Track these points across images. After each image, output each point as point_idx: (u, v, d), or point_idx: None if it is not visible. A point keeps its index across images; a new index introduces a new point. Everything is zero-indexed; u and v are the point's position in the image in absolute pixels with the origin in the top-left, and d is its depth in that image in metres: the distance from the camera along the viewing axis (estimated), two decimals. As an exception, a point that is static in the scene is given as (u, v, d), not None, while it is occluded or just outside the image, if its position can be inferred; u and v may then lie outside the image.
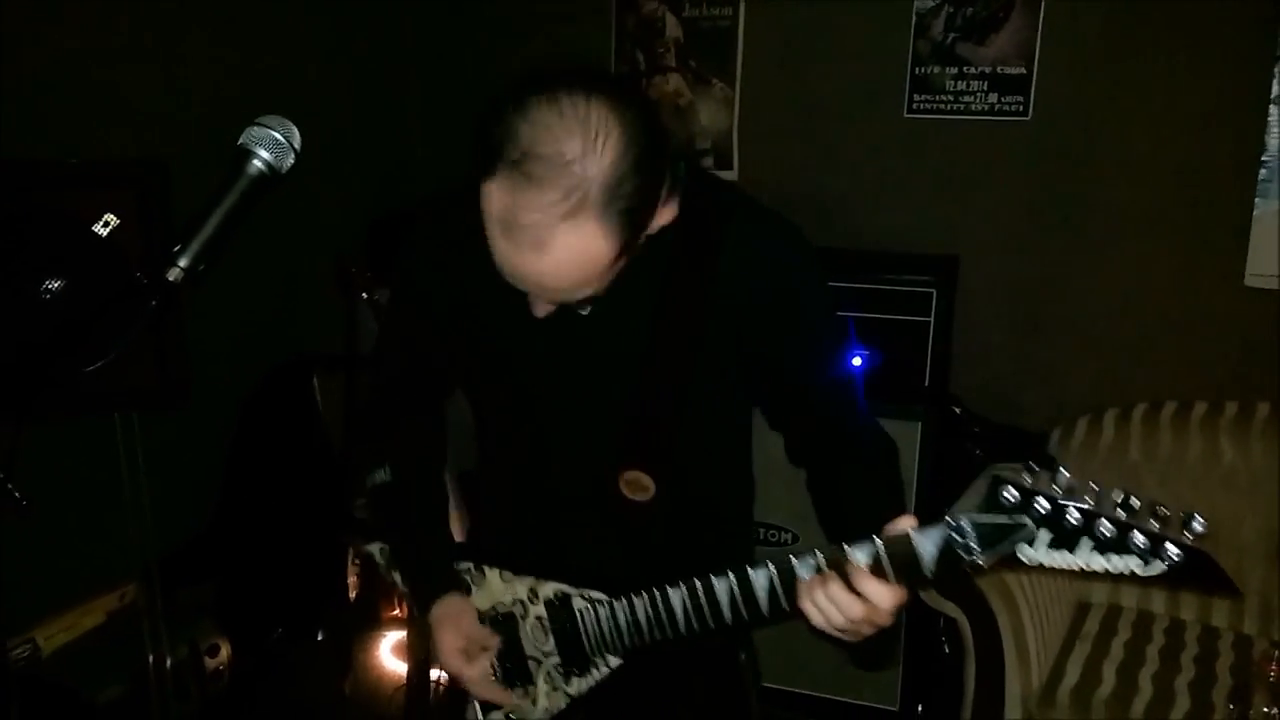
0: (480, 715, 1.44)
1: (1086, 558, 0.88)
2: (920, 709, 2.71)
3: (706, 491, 1.33)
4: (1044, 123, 2.89)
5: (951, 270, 2.84)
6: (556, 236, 1.01)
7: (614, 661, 1.29)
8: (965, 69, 2.94)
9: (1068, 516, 0.88)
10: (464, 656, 1.37)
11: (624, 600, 1.24)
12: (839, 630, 1.08)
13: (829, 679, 2.77)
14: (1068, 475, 0.90)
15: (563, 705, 1.35)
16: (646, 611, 1.22)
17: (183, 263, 1.08)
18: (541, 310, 1.15)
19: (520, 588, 1.36)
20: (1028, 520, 0.90)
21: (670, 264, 1.20)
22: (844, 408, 1.31)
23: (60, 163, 2.08)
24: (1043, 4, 2.83)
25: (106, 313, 1.11)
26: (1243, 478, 2.50)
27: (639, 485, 1.24)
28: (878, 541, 1.02)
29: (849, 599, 1.04)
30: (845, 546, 1.04)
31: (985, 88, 2.92)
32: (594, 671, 1.31)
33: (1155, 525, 0.87)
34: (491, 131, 1.02)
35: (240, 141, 1.12)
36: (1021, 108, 2.90)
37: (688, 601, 1.17)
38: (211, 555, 2.91)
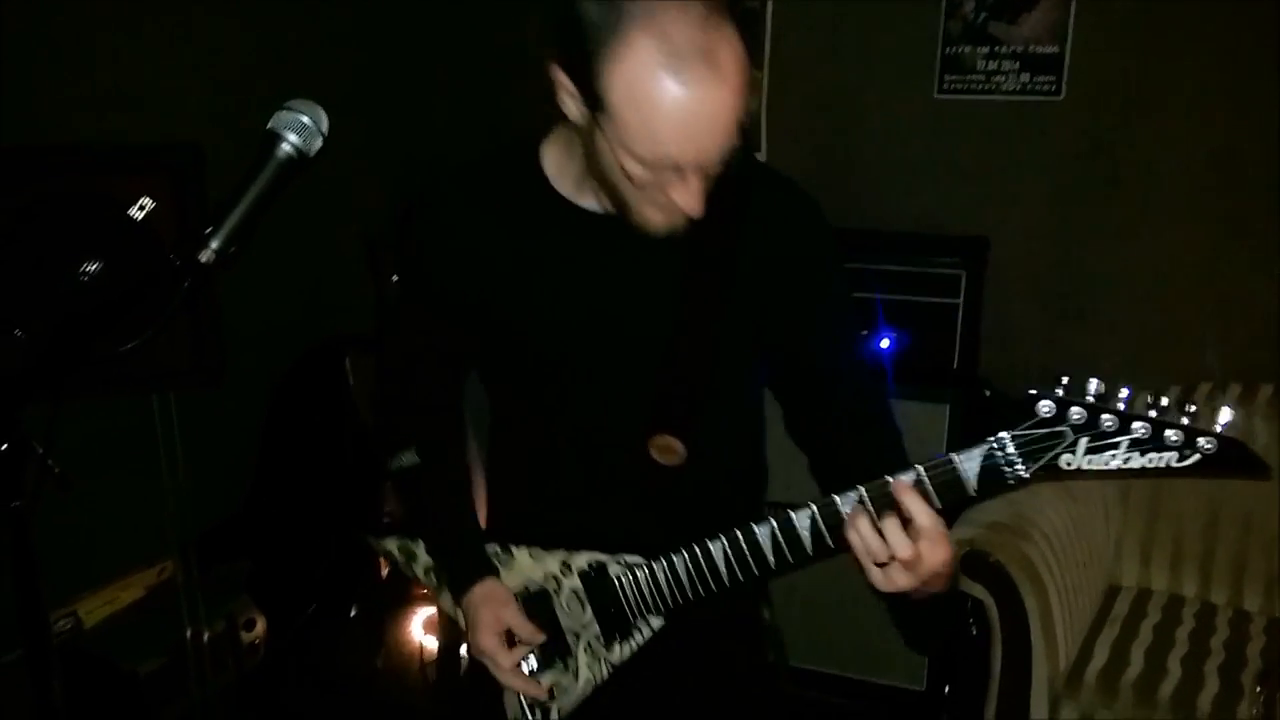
0: (522, 698, 1.41)
1: (1124, 458, 0.92)
2: (947, 690, 2.71)
3: (731, 454, 1.34)
4: (1077, 102, 2.85)
5: (981, 252, 2.82)
6: (720, 42, 0.99)
7: (656, 622, 1.29)
8: (997, 48, 2.90)
9: (1103, 421, 0.91)
10: (500, 640, 1.35)
11: (662, 560, 1.25)
12: (883, 563, 1.06)
13: (856, 659, 2.78)
14: (1098, 382, 0.94)
15: (606, 674, 1.34)
16: (687, 566, 1.22)
17: (214, 245, 1.11)
18: (693, 199, 1.09)
19: (551, 563, 1.35)
20: (1066, 428, 0.93)
21: (695, 230, 1.18)
22: (857, 389, 1.31)
23: (96, 147, 2.12)
24: (1076, -18, 2.80)
25: (141, 293, 1.13)
26: (1276, 461, 2.46)
27: (669, 450, 1.25)
28: (919, 467, 1.03)
29: (894, 525, 1.03)
30: (888, 477, 1.05)
31: (1017, 67, 2.89)
32: (636, 635, 1.30)
33: (1186, 421, 0.90)
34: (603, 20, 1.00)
35: (269, 126, 1.14)
36: (1054, 87, 2.86)
37: (729, 550, 1.18)
38: (247, 532, 2.96)
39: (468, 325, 1.35)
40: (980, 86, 2.94)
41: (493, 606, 1.35)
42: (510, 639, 1.37)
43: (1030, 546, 2.27)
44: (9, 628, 1.21)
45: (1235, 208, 2.74)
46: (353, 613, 3.08)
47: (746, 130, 1.17)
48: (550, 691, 1.38)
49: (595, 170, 1.16)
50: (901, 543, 1.03)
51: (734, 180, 1.20)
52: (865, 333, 1.32)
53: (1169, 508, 2.59)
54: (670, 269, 1.23)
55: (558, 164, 1.27)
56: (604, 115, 1.06)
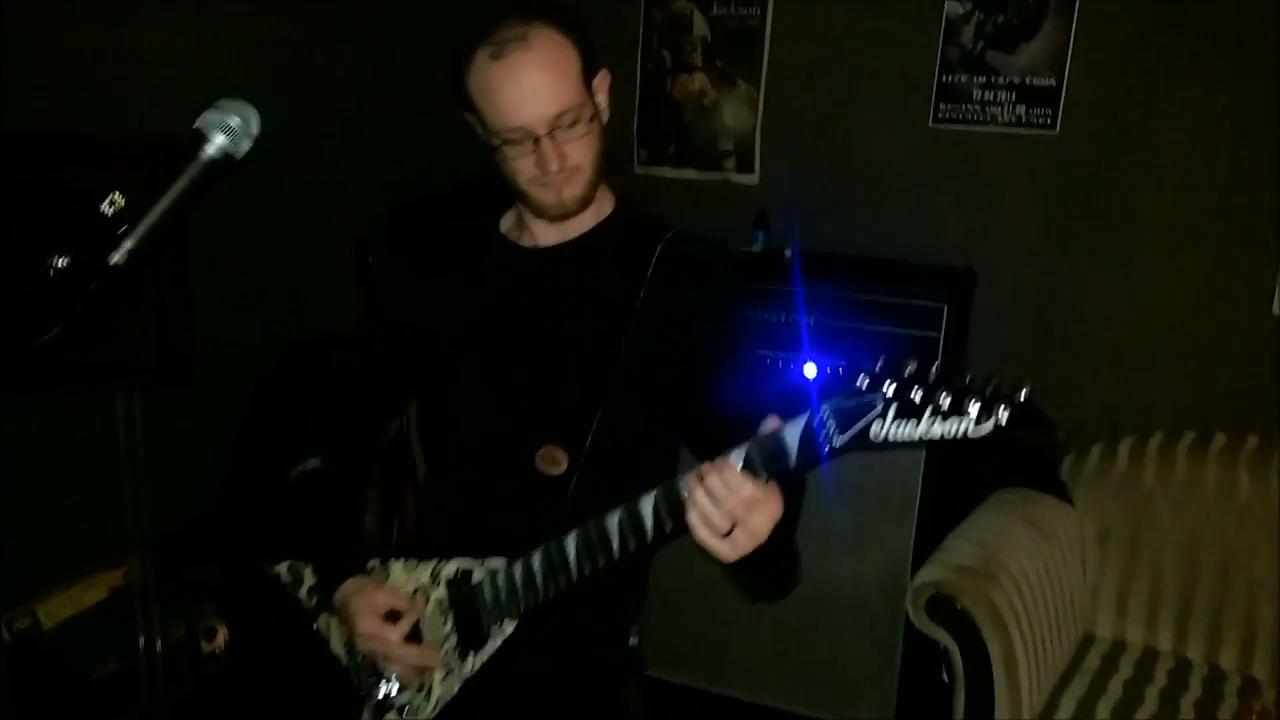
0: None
1: (927, 427, 0.99)
2: (914, 733, 2.65)
3: (617, 474, 1.36)
4: (1072, 136, 2.82)
5: (967, 285, 2.78)
6: (532, 31, 1.26)
7: (509, 627, 1.32)
8: (994, 78, 2.87)
9: (911, 394, 1.00)
10: (381, 620, 1.35)
11: (521, 560, 1.30)
12: (718, 532, 1.13)
13: (825, 701, 2.74)
14: (914, 362, 1.03)
15: (455, 690, 1.34)
16: (541, 562, 1.28)
17: (128, 245, 1.08)
18: (550, 159, 1.28)
19: (423, 573, 1.38)
20: (877, 398, 1.02)
21: (604, 263, 1.37)
22: (740, 418, 1.33)
23: (70, 136, 2.07)
24: (1075, 14, 2.75)
25: (54, 292, 1.10)
26: (1259, 512, 2.41)
27: (552, 459, 1.34)
28: (748, 443, 1.12)
29: (722, 491, 1.12)
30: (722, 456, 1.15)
31: (1013, 99, 2.85)
32: (489, 644, 1.33)
33: (988, 394, 0.99)
34: (461, 55, 1.30)
35: (196, 125, 1.12)
36: (1050, 120, 2.82)
37: (579, 540, 1.25)
38: (218, 535, 2.92)
39: (408, 355, 1.47)
40: (975, 116, 2.90)
41: (364, 594, 1.37)
42: (392, 619, 1.37)
43: (997, 591, 2.21)
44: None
45: (1233, 248, 2.70)
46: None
47: (606, 144, 1.35)
48: (401, 711, 1.38)
49: (508, 183, 1.35)
50: (726, 502, 1.11)
51: (645, 224, 1.41)
52: (754, 376, 1.42)
53: (1147, 557, 2.53)
54: (576, 297, 1.37)
55: (511, 218, 1.46)
56: (478, 121, 1.32)
